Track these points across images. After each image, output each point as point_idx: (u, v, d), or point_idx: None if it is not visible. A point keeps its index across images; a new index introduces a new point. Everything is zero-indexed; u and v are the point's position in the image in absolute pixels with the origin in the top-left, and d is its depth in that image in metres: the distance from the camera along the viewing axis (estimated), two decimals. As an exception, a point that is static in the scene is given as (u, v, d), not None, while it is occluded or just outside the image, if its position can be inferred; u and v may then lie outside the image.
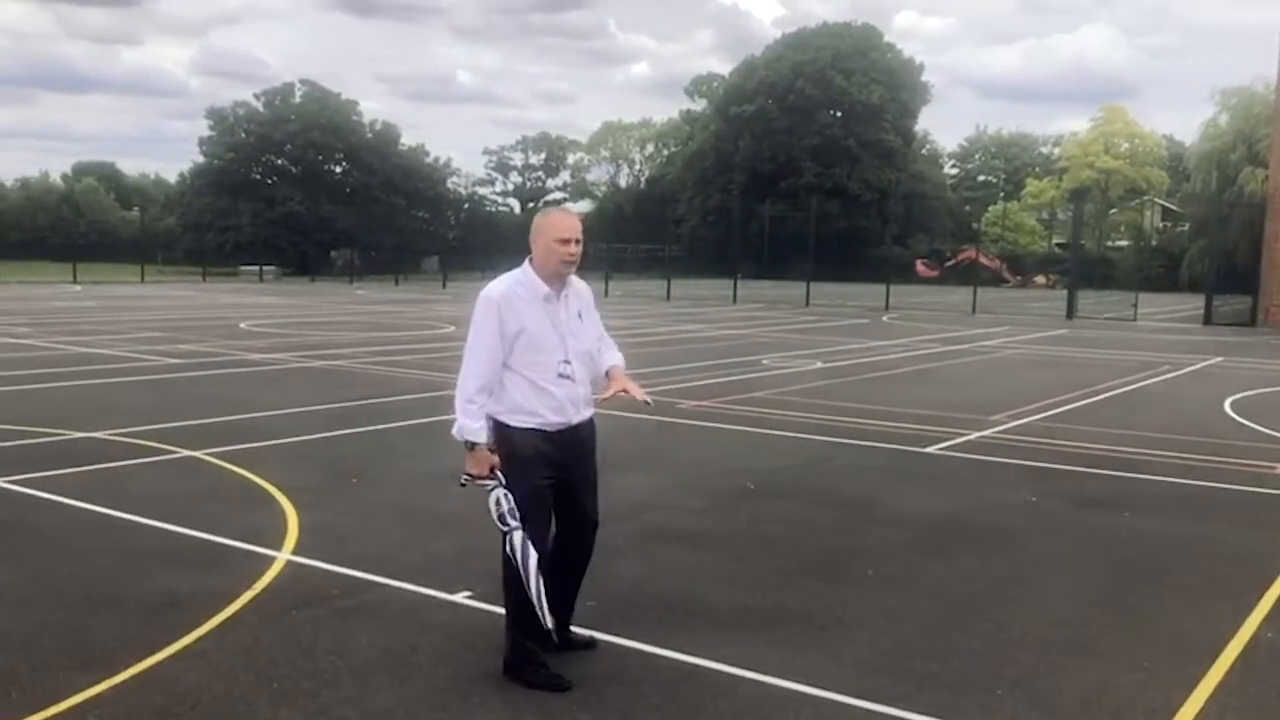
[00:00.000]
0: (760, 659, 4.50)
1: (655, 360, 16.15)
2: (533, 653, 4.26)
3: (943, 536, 6.66)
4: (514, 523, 4.15)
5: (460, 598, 5.23)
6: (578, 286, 4.37)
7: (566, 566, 4.41)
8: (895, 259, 53.10)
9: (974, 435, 10.33)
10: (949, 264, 60.36)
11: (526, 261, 4.30)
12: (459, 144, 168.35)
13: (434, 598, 5.23)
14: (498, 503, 4.15)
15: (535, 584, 4.11)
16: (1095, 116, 73.53)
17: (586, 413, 4.38)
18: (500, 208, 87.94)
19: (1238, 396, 13.76)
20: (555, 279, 4.25)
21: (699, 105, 79.57)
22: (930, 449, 9.62)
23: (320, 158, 66.34)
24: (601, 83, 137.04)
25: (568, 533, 4.41)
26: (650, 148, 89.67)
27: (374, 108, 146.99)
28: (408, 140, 70.80)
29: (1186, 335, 25.09)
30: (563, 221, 4.23)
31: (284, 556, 5.83)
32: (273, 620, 4.86)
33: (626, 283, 47.87)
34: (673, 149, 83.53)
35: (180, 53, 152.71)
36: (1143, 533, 6.87)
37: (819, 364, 16.78)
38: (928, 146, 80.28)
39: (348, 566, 5.66)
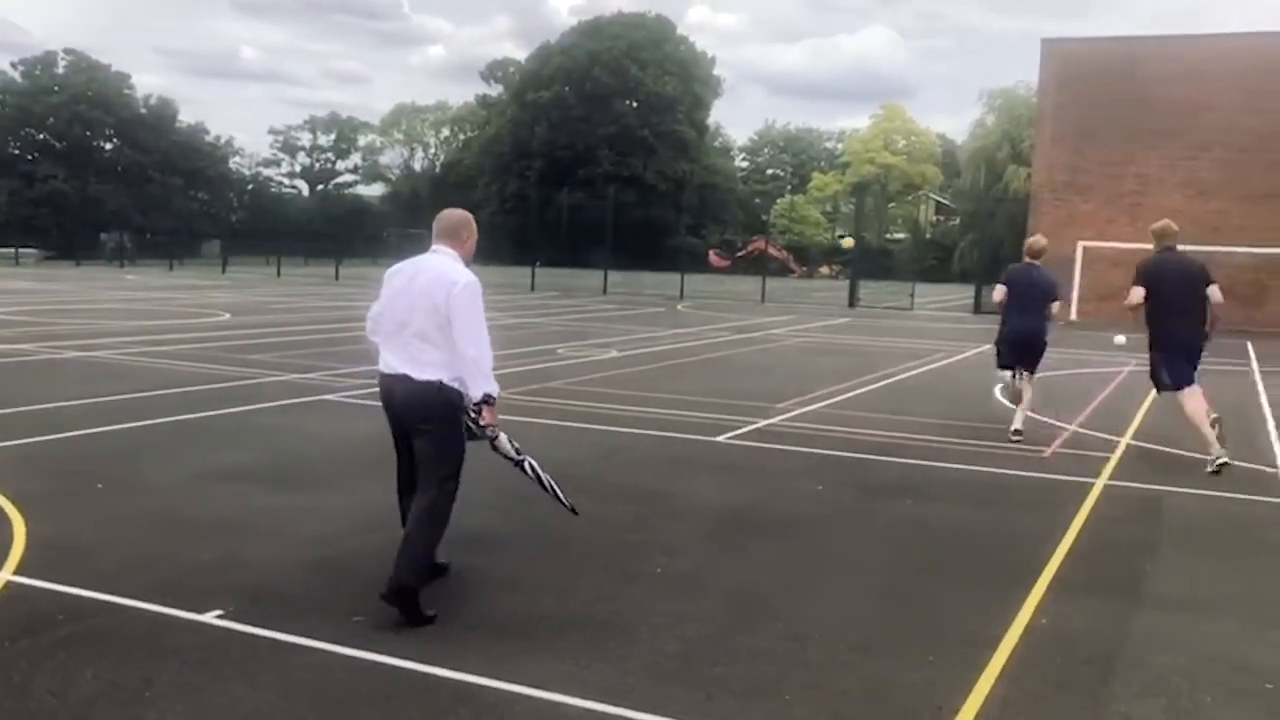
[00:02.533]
0: (543, 673, 4.20)
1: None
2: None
3: (732, 528, 6.54)
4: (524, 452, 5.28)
5: (210, 617, 4.69)
6: None
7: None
8: (690, 249, 53.99)
9: (762, 423, 10.36)
10: (740, 255, 61.89)
11: (456, 252, 4.92)
12: (245, 124, 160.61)
13: (179, 619, 4.67)
14: (510, 440, 5.15)
15: (554, 483, 5.49)
16: (876, 114, 76.91)
17: None
18: (287, 190, 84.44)
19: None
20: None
21: (495, 90, 78.69)
22: (720, 438, 9.57)
23: (88, 133, 61.83)
24: (396, 64, 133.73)
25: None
26: (446, 131, 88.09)
27: (151, 83, 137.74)
28: (187, 117, 67.06)
29: (959, 324, 26.42)
30: None
31: (3, 578, 5.12)
32: (-20, 654, 4.21)
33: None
34: (469, 134, 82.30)
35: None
36: (925, 520, 6.96)
37: (614, 353, 16.64)
38: (720, 139, 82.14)
39: (81, 586, 5.01)
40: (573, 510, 5.47)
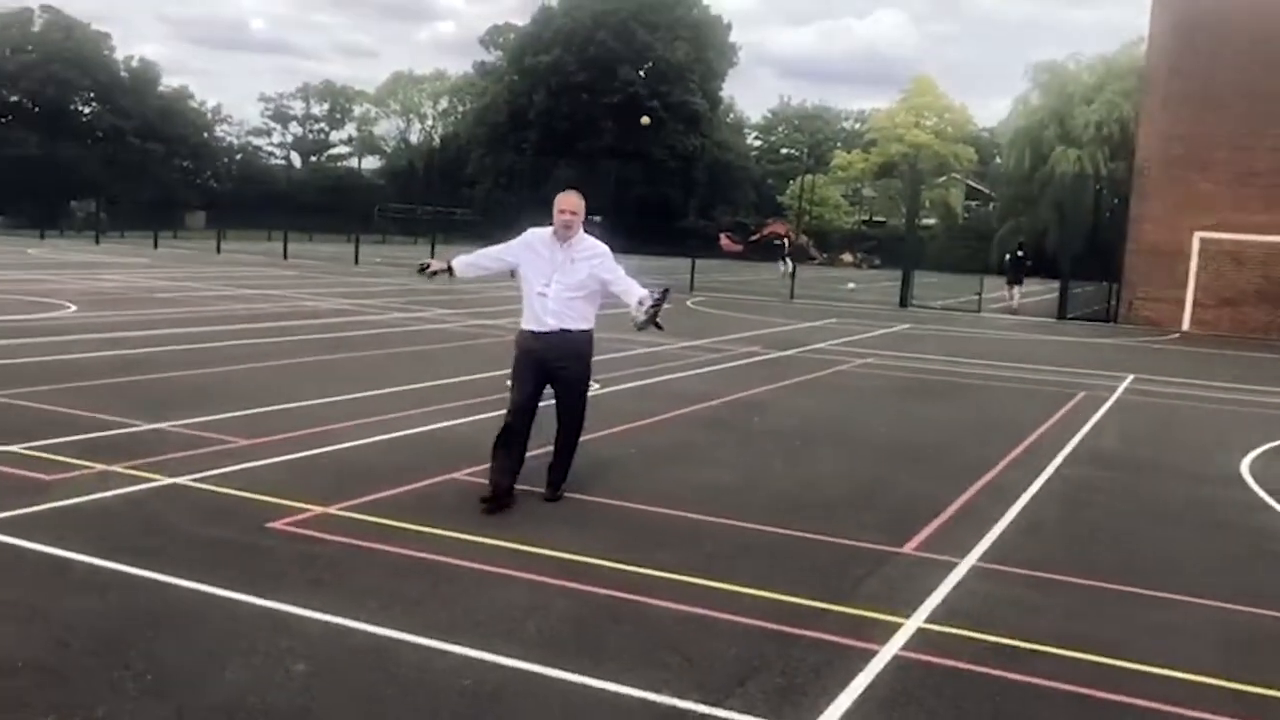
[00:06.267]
0: None
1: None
2: None
3: None
4: None
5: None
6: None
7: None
8: (699, 232, 48.76)
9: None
10: (754, 239, 56.48)
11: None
12: (252, 96, 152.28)
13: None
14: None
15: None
16: (905, 88, 71.07)
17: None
18: (278, 160, 78.83)
19: (1260, 451, 9.15)
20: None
21: (494, 56, 73.11)
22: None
23: (64, 95, 56.28)
24: (405, 38, 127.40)
25: None
26: (445, 103, 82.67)
27: (158, 52, 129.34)
28: (175, 83, 61.74)
29: (1055, 335, 21.05)
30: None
31: None
32: None
33: (411, 248, 41.53)
34: (468, 105, 76.83)
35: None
36: None
37: (598, 388, 11.25)
38: (732, 114, 76.26)
39: None
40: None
